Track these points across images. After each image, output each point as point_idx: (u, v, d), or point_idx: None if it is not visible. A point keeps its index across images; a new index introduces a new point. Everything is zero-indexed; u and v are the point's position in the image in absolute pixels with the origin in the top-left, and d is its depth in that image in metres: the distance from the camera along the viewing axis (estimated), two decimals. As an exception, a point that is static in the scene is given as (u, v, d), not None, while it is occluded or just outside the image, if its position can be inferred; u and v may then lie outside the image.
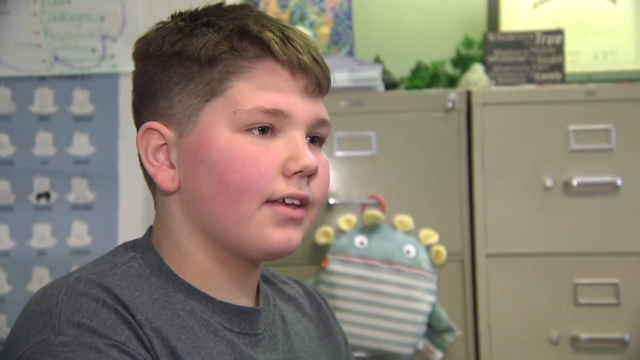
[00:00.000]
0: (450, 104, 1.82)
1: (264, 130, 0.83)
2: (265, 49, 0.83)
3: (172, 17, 0.89)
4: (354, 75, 1.88)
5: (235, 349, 0.84)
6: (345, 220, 1.79)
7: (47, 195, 1.85)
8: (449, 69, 2.22)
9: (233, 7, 0.89)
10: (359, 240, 1.77)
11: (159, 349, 0.77)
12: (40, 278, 1.83)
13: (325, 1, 2.18)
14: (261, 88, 0.83)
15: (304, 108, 0.85)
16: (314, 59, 0.86)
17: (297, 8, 2.19)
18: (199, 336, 0.82)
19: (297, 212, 0.84)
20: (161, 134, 0.85)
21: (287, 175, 0.83)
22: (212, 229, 0.85)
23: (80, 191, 1.84)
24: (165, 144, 0.86)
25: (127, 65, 1.81)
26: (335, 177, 1.83)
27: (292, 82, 0.85)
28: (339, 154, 1.83)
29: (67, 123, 1.86)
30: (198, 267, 0.87)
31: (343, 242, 1.77)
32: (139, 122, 0.89)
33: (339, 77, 1.87)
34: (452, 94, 1.82)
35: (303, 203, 0.85)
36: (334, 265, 1.75)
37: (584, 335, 1.74)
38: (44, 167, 1.86)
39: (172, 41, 0.85)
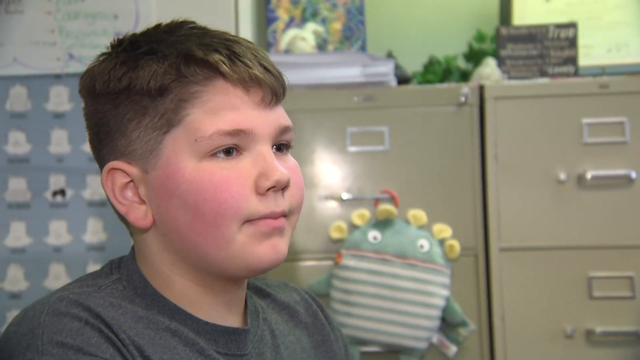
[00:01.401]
0: (462, 99, 1.82)
1: (229, 151, 0.81)
2: (214, 70, 0.81)
3: (112, 46, 0.87)
4: (367, 71, 1.88)
5: None
6: (359, 215, 1.80)
7: (62, 192, 1.87)
8: (462, 64, 2.22)
9: (171, 27, 0.86)
10: (373, 235, 1.77)
11: None
12: (56, 274, 1.85)
13: (337, -3, 2.19)
14: (217, 111, 0.81)
15: (263, 121, 0.83)
16: (266, 69, 0.84)
17: (309, 4, 2.19)
18: (181, 356, 0.80)
19: (279, 222, 0.83)
20: (125, 172, 0.83)
21: (261, 193, 0.81)
22: (194, 258, 0.84)
23: (95, 188, 1.86)
24: (131, 181, 0.84)
25: (140, 63, 1.82)
26: (348, 172, 1.84)
27: (247, 98, 0.82)
28: (352, 149, 1.84)
29: (81, 120, 1.87)
30: (183, 292, 0.85)
31: (356, 237, 1.77)
32: (99, 159, 0.87)
33: (351, 72, 1.88)
34: (465, 88, 1.82)
35: (283, 216, 0.84)
36: (347, 260, 1.76)
37: (598, 329, 1.74)
38: (59, 165, 1.87)
39: (117, 76, 0.82)
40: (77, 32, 1.87)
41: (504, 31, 2.03)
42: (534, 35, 2.01)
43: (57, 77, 1.88)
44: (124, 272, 0.86)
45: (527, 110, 1.82)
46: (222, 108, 0.81)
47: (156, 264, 0.86)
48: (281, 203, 0.83)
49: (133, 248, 0.90)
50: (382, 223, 1.78)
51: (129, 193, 0.84)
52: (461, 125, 1.82)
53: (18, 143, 1.88)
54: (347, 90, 1.85)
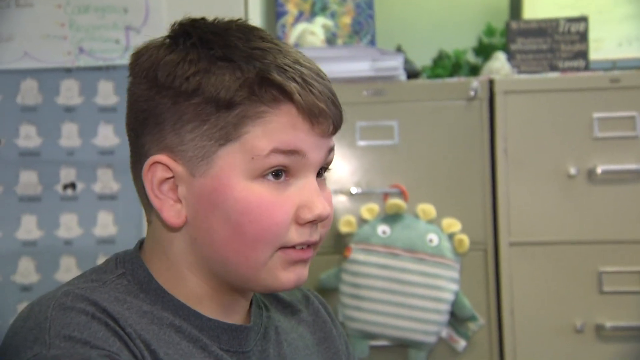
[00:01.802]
0: (472, 93, 1.81)
1: (278, 174, 0.82)
2: (285, 96, 0.81)
3: (175, 33, 0.84)
4: (376, 65, 1.88)
5: None
6: (368, 209, 1.80)
7: (73, 185, 1.88)
8: (471, 58, 2.21)
9: (244, 32, 0.84)
10: (382, 229, 1.77)
11: None
12: (67, 267, 1.86)
13: (346, -9, 2.18)
14: (277, 131, 0.81)
15: (318, 147, 0.84)
16: (332, 102, 0.84)
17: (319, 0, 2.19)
18: (185, 352, 0.81)
19: (306, 254, 0.85)
20: (169, 168, 0.82)
21: (300, 224, 0.82)
22: (218, 268, 0.84)
23: (106, 181, 1.87)
24: (172, 177, 0.83)
25: (150, 57, 1.83)
26: (357, 166, 1.84)
27: (309, 125, 0.83)
28: (361, 143, 1.84)
29: (92, 114, 1.88)
30: (192, 290, 0.85)
31: (366, 231, 1.78)
32: (138, 144, 0.86)
33: (361, 66, 1.88)
34: (475, 83, 1.82)
35: (313, 246, 0.85)
36: (356, 254, 1.76)
37: (608, 324, 1.73)
38: (70, 158, 1.88)
39: (185, 74, 0.81)
40: (87, 25, 1.87)
41: (514, 25, 2.03)
42: (544, 29, 2.00)
43: (68, 71, 1.89)
44: (129, 267, 0.86)
45: (537, 105, 1.81)
46: (282, 129, 0.81)
47: (174, 260, 0.85)
48: (315, 234, 0.84)
49: (140, 242, 0.90)
50: (392, 217, 1.78)
51: (166, 187, 0.83)
52: (471, 119, 1.82)
53: (29, 137, 1.89)
54: (356, 85, 1.85)
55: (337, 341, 1.03)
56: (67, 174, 1.88)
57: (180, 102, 0.81)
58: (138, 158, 0.86)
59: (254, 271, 0.82)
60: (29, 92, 1.89)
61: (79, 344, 0.72)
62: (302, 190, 0.83)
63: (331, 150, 0.87)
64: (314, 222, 0.83)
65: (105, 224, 1.86)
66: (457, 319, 1.77)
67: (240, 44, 0.83)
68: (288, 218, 0.81)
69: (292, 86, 0.81)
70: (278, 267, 0.83)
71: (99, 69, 1.86)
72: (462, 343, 1.77)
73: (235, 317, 0.89)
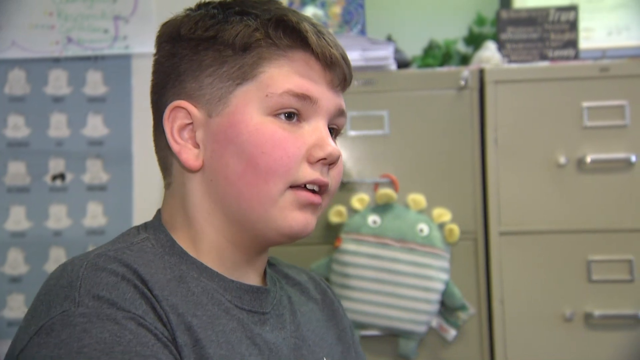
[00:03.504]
0: (462, 82, 1.81)
1: (290, 116, 0.87)
2: (299, 40, 0.87)
3: (200, 5, 0.92)
4: (366, 55, 1.87)
5: (246, 327, 0.86)
6: (358, 199, 1.80)
7: (62, 176, 1.87)
8: (462, 47, 2.21)
9: (263, 1, 0.91)
10: (372, 219, 1.77)
11: (176, 324, 0.79)
12: (57, 258, 1.86)
13: (336, -20, 2.18)
14: (292, 74, 0.86)
15: (329, 98, 0.89)
16: (342, 55, 0.90)
17: (308, -13, 2.18)
18: (212, 312, 0.84)
19: (316, 198, 0.88)
20: (188, 113, 0.88)
21: (311, 162, 0.87)
22: (234, 209, 0.87)
23: (95, 172, 1.86)
24: (191, 123, 0.88)
25: (139, 47, 1.81)
26: (348, 156, 1.83)
27: (322, 73, 0.89)
28: (352, 133, 1.83)
29: (81, 104, 1.87)
30: (211, 246, 0.89)
31: (356, 221, 1.78)
32: (160, 103, 0.91)
33: (351, 56, 1.86)
34: (465, 72, 1.82)
35: (322, 190, 0.89)
36: (347, 244, 1.76)
37: (597, 312, 1.74)
38: (58, 149, 1.87)
39: (205, 26, 0.87)
40: (75, 15, 1.86)
41: (504, 14, 2.03)
42: (535, 18, 2.00)
43: (56, 61, 1.88)
44: (151, 232, 0.90)
45: (527, 94, 1.81)
46: (297, 73, 0.87)
47: (192, 212, 0.89)
48: (326, 175, 0.89)
49: (158, 212, 0.94)
50: (382, 207, 1.78)
51: (186, 134, 0.89)
52: (461, 109, 1.82)
53: (17, 127, 1.88)
54: (346, 74, 1.84)
55: (344, 320, 1.09)
56: (56, 165, 1.87)
57: (200, 51, 0.88)
58: (160, 119, 0.90)
59: (265, 207, 0.86)
60: (16, 82, 1.88)
61: (107, 304, 0.75)
62: (313, 132, 0.88)
63: (342, 112, 0.93)
64: (324, 162, 0.88)
65: (95, 215, 1.86)
66: (447, 308, 1.78)
67: (258, 5, 0.90)
68: (300, 153, 0.86)
69: (307, 27, 0.87)
70: (288, 207, 0.86)
71: (87, 58, 1.85)
72: (452, 332, 1.78)
73: (253, 280, 0.93)
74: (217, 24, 0.87)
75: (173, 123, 0.88)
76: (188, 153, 0.88)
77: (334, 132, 0.94)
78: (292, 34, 0.87)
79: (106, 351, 0.72)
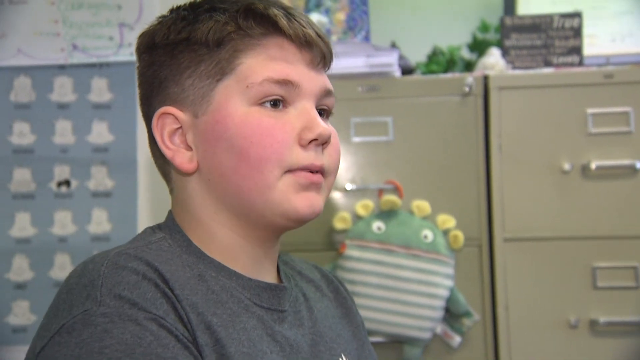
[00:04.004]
0: (467, 89, 1.81)
1: (276, 103, 0.86)
2: (270, 26, 0.87)
3: (172, 10, 0.92)
4: (370, 61, 1.87)
5: (266, 324, 0.86)
6: (363, 205, 1.80)
7: (67, 183, 1.87)
8: (466, 54, 2.21)
9: None
10: (377, 225, 1.77)
11: (196, 323, 0.79)
12: (62, 265, 1.86)
13: (341, -13, 2.18)
14: (269, 60, 0.86)
15: (311, 79, 0.89)
16: (317, 34, 0.89)
17: (313, -6, 2.19)
18: (233, 310, 0.84)
19: (316, 177, 0.88)
20: (176, 118, 0.88)
21: (303, 145, 0.86)
22: (236, 203, 0.87)
23: (100, 179, 1.86)
24: (180, 127, 0.88)
25: (144, 53, 1.82)
26: (352, 162, 1.84)
27: (299, 55, 0.88)
28: (356, 139, 1.84)
29: (86, 111, 1.88)
30: (223, 244, 0.89)
31: (360, 227, 1.78)
32: (149, 112, 0.92)
33: (355, 63, 1.88)
34: (469, 79, 1.82)
35: (320, 172, 0.88)
36: (351, 250, 1.76)
37: (602, 319, 1.74)
38: (64, 155, 1.88)
39: (177, 29, 0.88)
40: (80, 22, 1.87)
41: (508, 21, 2.03)
42: (539, 25, 2.01)
43: (61, 68, 1.88)
44: (167, 231, 0.90)
45: (532, 101, 1.81)
46: (274, 59, 0.87)
47: (198, 213, 0.89)
48: (320, 158, 0.88)
49: (169, 213, 0.94)
50: (386, 213, 1.78)
51: (177, 139, 0.89)
52: (465, 115, 1.82)
53: (23, 134, 1.89)
54: (351, 81, 1.85)
55: (357, 317, 1.09)
56: (61, 171, 1.88)
57: (176, 54, 0.88)
58: (151, 129, 0.90)
59: (265, 196, 0.86)
60: (22, 89, 1.89)
61: (128, 304, 0.75)
62: (300, 114, 0.87)
63: (328, 92, 0.92)
64: (317, 143, 0.87)
65: (100, 221, 1.86)
66: (451, 315, 1.78)
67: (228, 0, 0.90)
68: (289, 138, 0.86)
69: (276, 12, 0.87)
70: (290, 190, 0.86)
71: (92, 65, 1.86)
72: (457, 339, 1.78)
73: (269, 277, 0.93)
74: (188, 25, 0.87)
75: (162, 130, 0.89)
76: (181, 157, 0.88)
77: (325, 113, 0.93)
78: (263, 21, 0.87)
79: (127, 352, 0.72)
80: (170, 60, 0.88)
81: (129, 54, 1.84)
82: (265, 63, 0.86)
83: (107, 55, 1.86)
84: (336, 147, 0.91)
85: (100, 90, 1.87)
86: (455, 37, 2.24)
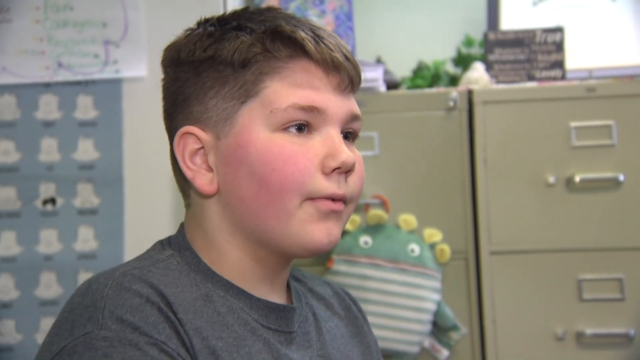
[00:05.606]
0: (451, 103, 1.83)
1: (300, 128, 0.84)
2: (298, 49, 0.85)
3: (199, 23, 0.90)
4: (356, 76, 1.88)
5: (272, 347, 0.85)
6: (349, 220, 1.80)
7: (53, 200, 1.87)
8: (450, 68, 2.23)
9: (261, 10, 0.90)
10: (364, 240, 1.77)
11: (199, 348, 0.78)
12: (47, 283, 1.85)
13: (325, 3, 2.19)
14: (295, 86, 0.84)
15: (337, 104, 0.87)
16: (345, 56, 0.87)
17: (298, 10, 2.20)
18: (238, 334, 0.82)
19: (337, 205, 0.86)
20: (198, 138, 0.86)
21: (326, 173, 0.84)
22: (253, 229, 0.86)
23: (86, 196, 1.86)
24: (202, 147, 0.87)
25: (130, 71, 1.82)
26: (338, 177, 1.84)
27: (326, 80, 0.86)
28: (342, 154, 1.84)
29: (71, 129, 1.87)
30: (235, 265, 0.88)
31: (347, 242, 1.78)
32: (172, 128, 0.90)
33: (341, 78, 1.89)
34: (454, 93, 1.83)
35: (342, 200, 0.86)
36: (339, 265, 1.76)
37: (589, 331, 1.75)
38: (49, 173, 1.87)
39: (203, 46, 0.86)
40: (66, 40, 1.87)
41: (491, 36, 2.05)
42: (522, 39, 2.03)
43: (47, 86, 1.88)
44: (176, 248, 0.88)
45: (516, 114, 1.83)
46: (300, 84, 0.84)
47: (213, 234, 0.88)
48: (343, 186, 0.86)
49: (181, 227, 0.92)
50: (373, 228, 1.78)
51: (198, 159, 0.87)
52: (450, 129, 1.83)
53: (7, 152, 1.88)
54: (336, 96, 1.86)
55: (368, 337, 1.07)
56: (47, 189, 1.87)
57: (201, 73, 0.86)
58: (172, 144, 0.89)
59: (284, 225, 0.84)
60: (7, 108, 1.88)
61: (130, 328, 0.74)
62: (325, 141, 0.85)
63: (355, 116, 0.90)
64: (340, 172, 0.85)
65: (86, 239, 1.85)
66: (439, 328, 1.78)
67: (254, 16, 0.88)
68: (312, 165, 0.83)
69: (303, 35, 0.84)
70: (308, 220, 0.84)
71: (78, 83, 1.86)
72: (444, 353, 1.78)
73: (277, 298, 0.91)
74: (214, 43, 0.85)
75: (184, 149, 0.87)
76: (202, 178, 0.86)
77: (351, 136, 0.91)
78: (290, 44, 0.84)
79: None
80: (194, 79, 0.87)
81: (114, 71, 1.84)
82: (290, 88, 0.84)
83: (93, 73, 1.85)
84: (360, 175, 0.89)
85: (85, 107, 1.86)
86: (440, 51, 2.26)
